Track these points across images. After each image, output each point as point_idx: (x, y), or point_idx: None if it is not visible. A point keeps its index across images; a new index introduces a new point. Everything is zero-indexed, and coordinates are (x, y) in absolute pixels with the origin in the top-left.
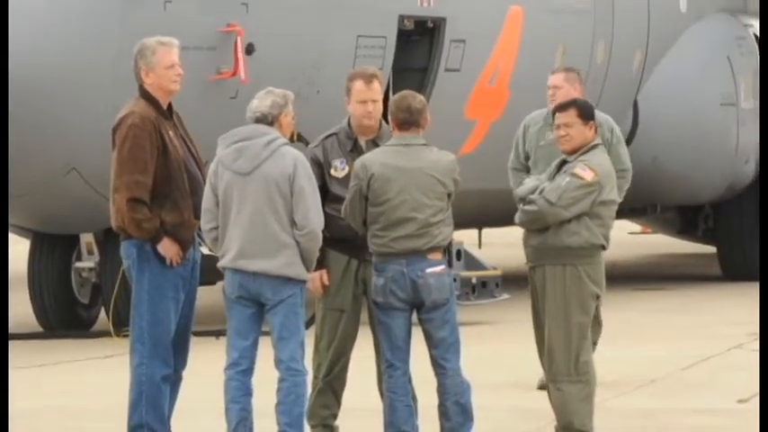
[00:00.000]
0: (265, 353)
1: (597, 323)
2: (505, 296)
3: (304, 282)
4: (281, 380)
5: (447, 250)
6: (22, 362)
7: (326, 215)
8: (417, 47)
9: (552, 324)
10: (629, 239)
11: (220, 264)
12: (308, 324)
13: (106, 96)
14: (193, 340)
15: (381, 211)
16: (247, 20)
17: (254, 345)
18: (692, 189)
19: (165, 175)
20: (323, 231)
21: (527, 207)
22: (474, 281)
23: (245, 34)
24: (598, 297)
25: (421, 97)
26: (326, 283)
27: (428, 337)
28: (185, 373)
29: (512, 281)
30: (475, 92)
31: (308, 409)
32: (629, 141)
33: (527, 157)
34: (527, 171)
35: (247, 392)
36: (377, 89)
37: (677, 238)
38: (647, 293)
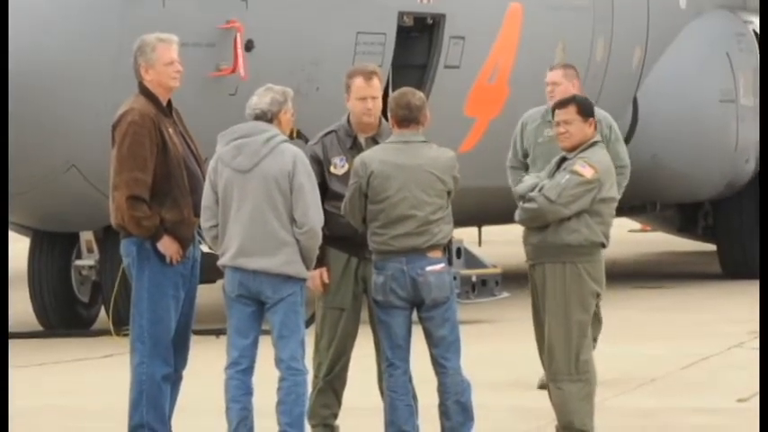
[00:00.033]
0: (266, 352)
1: (597, 320)
2: (505, 294)
3: (304, 280)
4: (281, 379)
5: (447, 248)
6: (22, 361)
7: (326, 213)
8: (417, 43)
9: (552, 322)
10: (628, 237)
11: (220, 262)
12: (309, 323)
13: (106, 93)
14: (193, 339)
15: (381, 208)
16: (247, 16)
17: (255, 343)
18: (691, 186)
19: (164, 173)
20: (323, 229)
21: (527, 205)
22: (474, 279)
23: (245, 31)
24: (598, 295)
25: (420, 94)
26: (326, 281)
27: (428, 336)
28: (186, 373)
29: (512, 279)
30: (474, 89)
31: (309, 409)
32: (628, 138)
33: (525, 155)
34: (525, 169)
35: (248, 392)
36: (376, 86)
37: (677, 236)
38: (646, 291)
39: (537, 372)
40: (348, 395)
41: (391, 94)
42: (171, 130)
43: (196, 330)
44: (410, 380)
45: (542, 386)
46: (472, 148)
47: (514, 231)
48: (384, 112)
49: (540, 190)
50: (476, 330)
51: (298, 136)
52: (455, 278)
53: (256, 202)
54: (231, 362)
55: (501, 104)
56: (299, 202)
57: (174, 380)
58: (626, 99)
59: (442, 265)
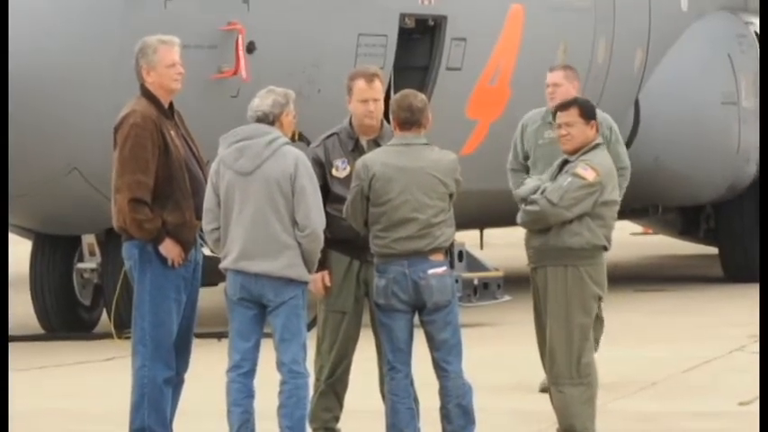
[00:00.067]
0: (267, 355)
1: (599, 321)
2: (507, 297)
3: (306, 283)
4: (282, 382)
5: (449, 251)
6: (23, 364)
7: (328, 216)
8: (418, 45)
9: (554, 325)
10: (630, 240)
11: (222, 265)
12: (310, 326)
13: (107, 96)
14: (195, 342)
15: (383, 211)
16: (248, 18)
17: (256, 347)
18: (693, 189)
19: (166, 175)
20: (324, 232)
21: (529, 207)
22: (476, 282)
23: (246, 32)
24: (600, 298)
25: (422, 96)
26: (328, 284)
27: (430, 339)
28: (187, 376)
29: (514, 282)
30: (476, 91)
31: (310, 412)
32: (630, 141)
33: (526, 157)
34: (526, 171)
35: (249, 395)
36: (378, 88)
37: (679, 239)
38: (648, 294)
39: (538, 375)
40: (349, 398)
41: (393, 97)
42: (173, 132)
43: (198, 333)
44: (411, 383)
45: (544, 389)
46: (474, 150)
47: (516, 234)
48: (386, 115)
49: (542, 193)
50: (477, 333)
51: (299, 138)
52: (457, 281)
53: (258, 204)
54: (233, 365)
55: (503, 106)
56: (300, 205)
57: (176, 383)
58: (628, 101)
59: (443, 268)
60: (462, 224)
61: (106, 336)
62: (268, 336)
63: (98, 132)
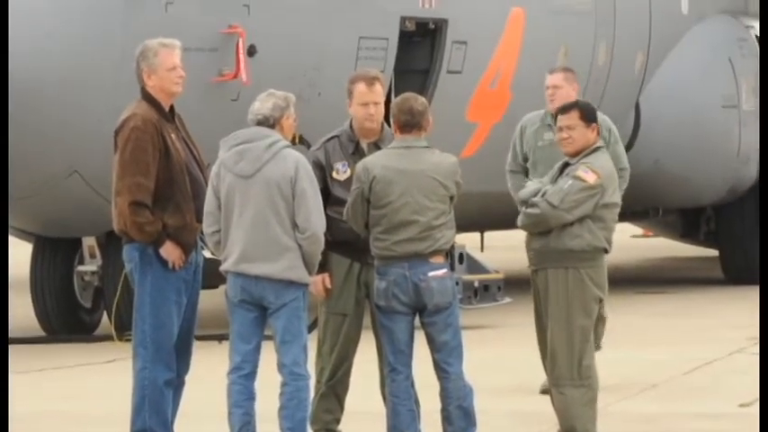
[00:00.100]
0: (268, 357)
1: (601, 319)
2: (508, 300)
3: (306, 285)
4: (283, 384)
5: (449, 253)
6: (24, 366)
7: (328, 218)
8: (419, 48)
9: (555, 327)
10: (631, 243)
11: (223, 267)
12: (311, 328)
13: (108, 98)
14: (196, 344)
15: (383, 213)
16: (249, 21)
17: (257, 349)
18: (693, 192)
19: (167, 178)
20: (325, 234)
21: (529, 210)
22: (476, 284)
23: (247, 36)
24: (601, 300)
25: (423, 99)
26: (329, 286)
27: (430, 341)
28: (188, 378)
29: (514, 284)
30: (476, 94)
31: (311, 414)
32: (630, 143)
33: (525, 159)
34: (525, 173)
35: (250, 397)
36: (379, 91)
37: (679, 242)
38: (649, 297)
39: (539, 377)
40: (350, 400)
41: (393, 100)
42: (173, 135)
43: (198, 336)
44: (412, 385)
45: (545, 391)
46: (474, 153)
47: (517, 237)
48: (386, 118)
49: (542, 195)
50: (478, 335)
51: (300, 141)
52: (457, 283)
53: (259, 207)
54: (234, 367)
55: (503, 109)
56: (301, 208)
57: (177, 385)
58: (628, 104)
59: (444, 270)
60: (463, 226)
61: (107, 338)
62: (269, 338)
63: (98, 135)
